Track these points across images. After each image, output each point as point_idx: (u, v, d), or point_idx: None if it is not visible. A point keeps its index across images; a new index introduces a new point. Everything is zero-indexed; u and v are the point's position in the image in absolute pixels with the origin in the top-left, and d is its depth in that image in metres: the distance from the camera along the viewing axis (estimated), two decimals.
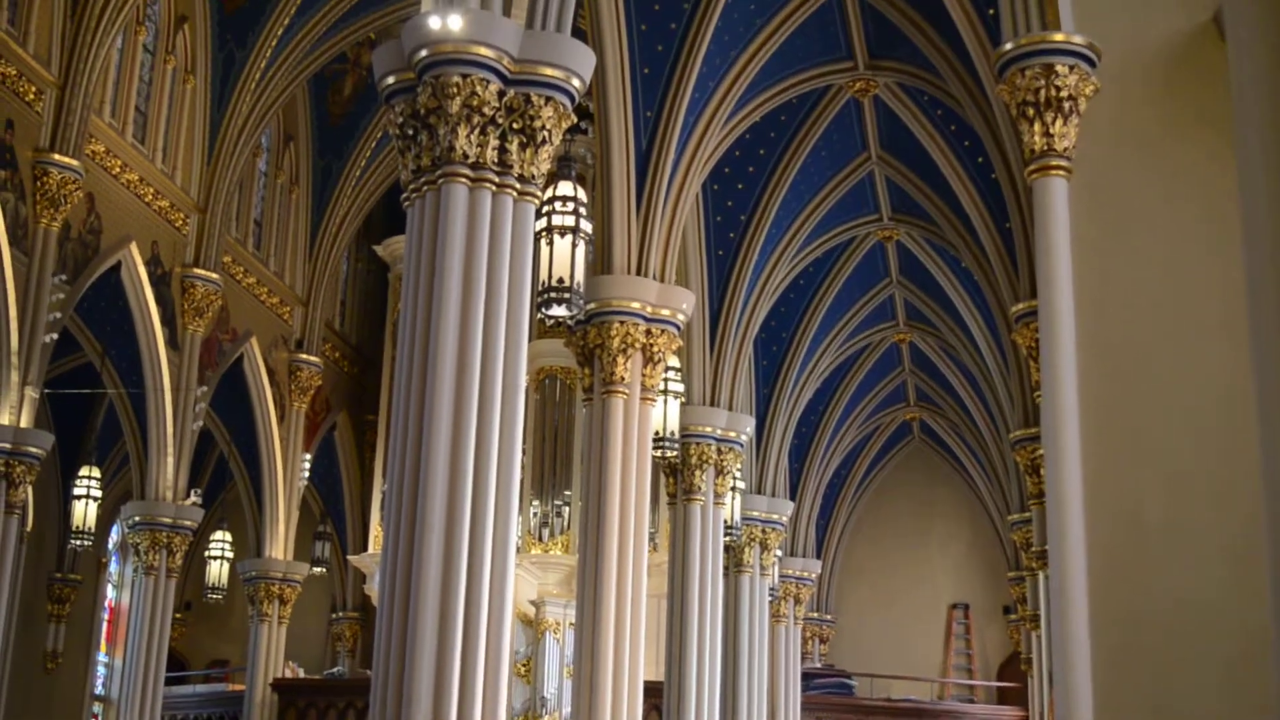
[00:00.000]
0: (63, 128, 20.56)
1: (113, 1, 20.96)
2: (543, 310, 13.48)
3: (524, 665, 24.84)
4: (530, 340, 14.66)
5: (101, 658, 31.52)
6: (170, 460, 23.68)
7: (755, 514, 25.69)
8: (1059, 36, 11.71)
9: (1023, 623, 30.28)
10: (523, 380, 11.57)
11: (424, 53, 11.41)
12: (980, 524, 36.10)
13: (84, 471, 22.42)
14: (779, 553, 27.40)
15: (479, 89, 11.34)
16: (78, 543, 22.96)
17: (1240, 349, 8.61)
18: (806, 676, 29.78)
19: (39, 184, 20.22)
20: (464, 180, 11.36)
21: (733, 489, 22.43)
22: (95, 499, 22.33)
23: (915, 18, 18.06)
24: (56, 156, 20.39)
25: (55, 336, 20.51)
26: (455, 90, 11.31)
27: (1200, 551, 10.69)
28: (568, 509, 26.23)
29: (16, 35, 20.12)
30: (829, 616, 36.86)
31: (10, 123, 19.89)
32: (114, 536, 31.87)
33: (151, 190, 23.40)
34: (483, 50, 11.38)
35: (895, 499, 37.01)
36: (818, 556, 34.09)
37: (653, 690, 19.05)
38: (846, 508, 36.62)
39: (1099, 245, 11.46)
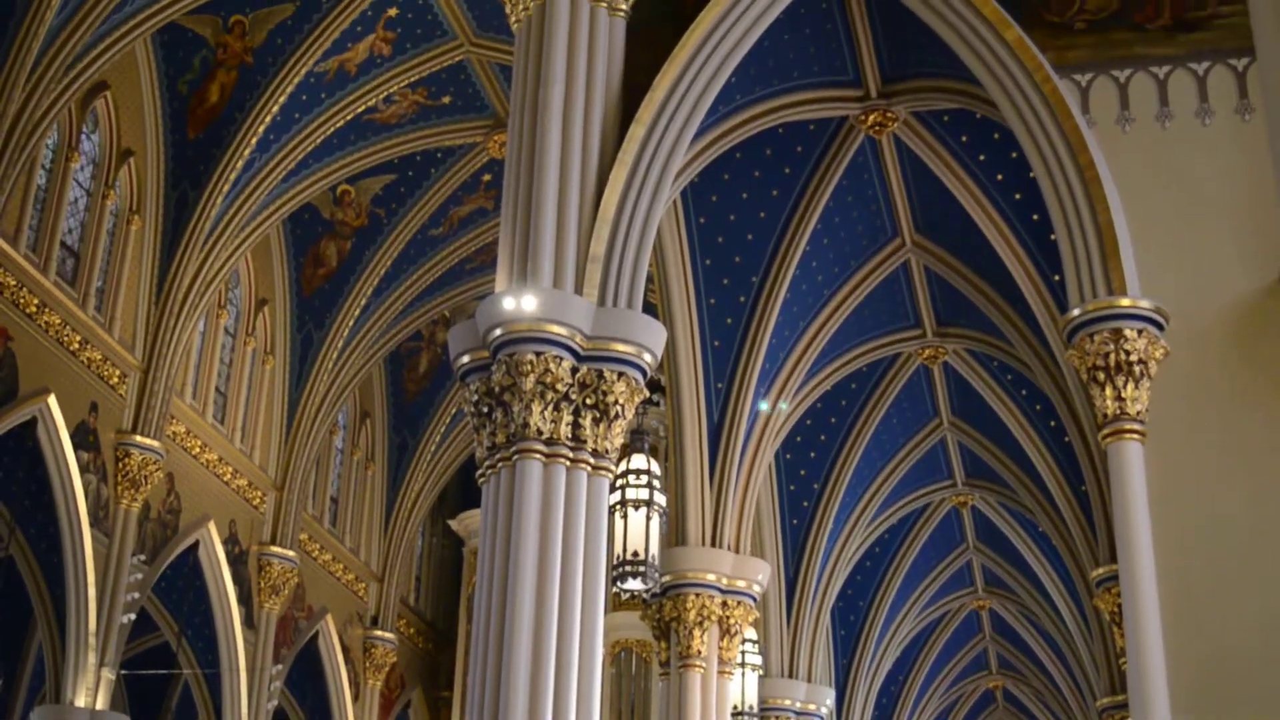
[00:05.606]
0: (145, 410, 21.01)
1: (196, 287, 21.60)
2: (618, 584, 13.43)
3: None
4: (606, 613, 14.56)
5: None
6: None
7: None
8: (1126, 301, 11.79)
9: None
10: (599, 655, 11.46)
11: (498, 331, 11.56)
12: None
13: None
14: None
15: (553, 366, 11.46)
16: None
17: None
18: None
19: (120, 465, 20.56)
20: (538, 456, 11.39)
21: None
22: None
23: (981, 285, 18.20)
24: (138, 438, 20.79)
25: (133, 616, 20.61)
26: (529, 368, 11.43)
27: None
28: None
29: (103, 321, 20.69)
30: None
31: (95, 405, 20.32)
32: None
33: (230, 469, 23.72)
34: (556, 329, 11.51)
35: None
36: None
37: None
38: None
39: (1177, 507, 11.36)
